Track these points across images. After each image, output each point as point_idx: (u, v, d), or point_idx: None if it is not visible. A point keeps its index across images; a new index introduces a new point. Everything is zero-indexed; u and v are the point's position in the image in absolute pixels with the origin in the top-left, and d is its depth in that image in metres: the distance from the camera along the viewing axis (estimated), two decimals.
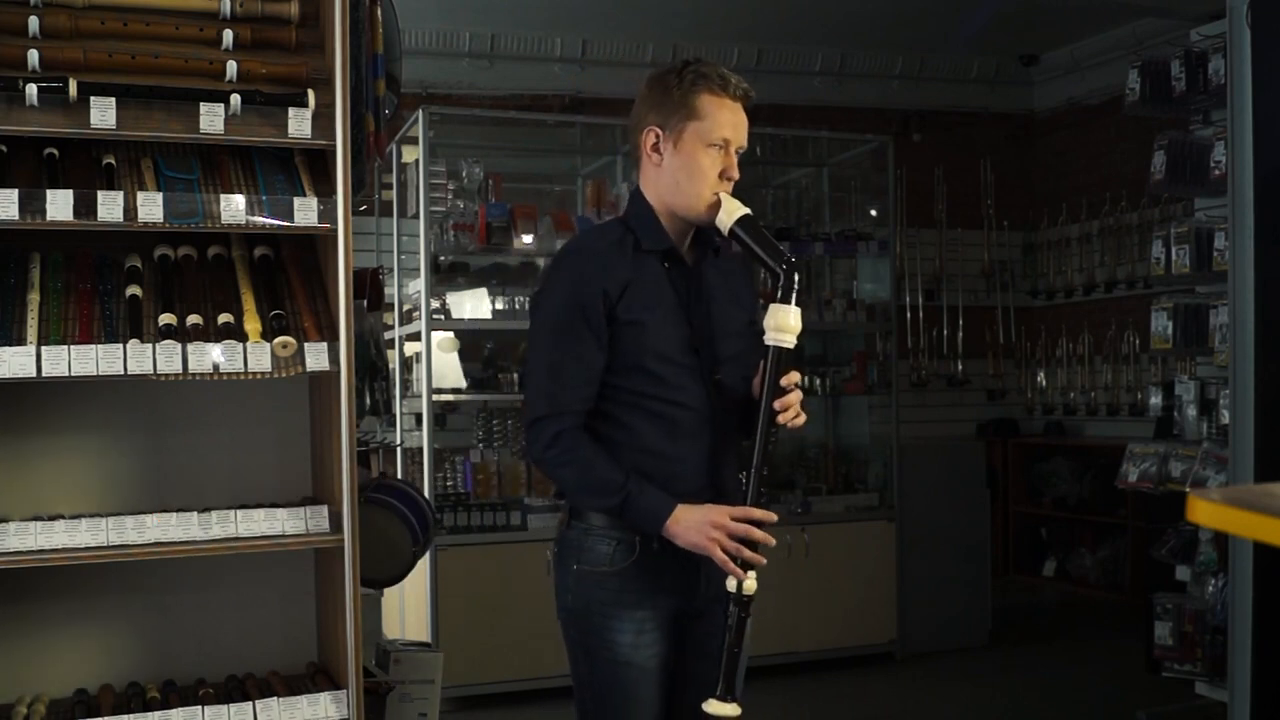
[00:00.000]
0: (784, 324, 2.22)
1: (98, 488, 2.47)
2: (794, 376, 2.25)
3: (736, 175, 2.31)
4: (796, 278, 2.22)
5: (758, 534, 2.20)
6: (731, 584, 2.21)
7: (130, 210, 2.17)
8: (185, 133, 2.23)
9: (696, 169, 2.28)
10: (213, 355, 2.19)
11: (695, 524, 2.21)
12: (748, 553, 2.19)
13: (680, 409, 2.29)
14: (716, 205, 2.28)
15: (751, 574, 2.21)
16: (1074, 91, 7.86)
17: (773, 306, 2.23)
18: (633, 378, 2.28)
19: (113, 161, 2.30)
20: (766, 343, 2.24)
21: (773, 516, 2.23)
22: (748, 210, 2.28)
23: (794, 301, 2.22)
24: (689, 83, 2.28)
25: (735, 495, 2.29)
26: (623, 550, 2.29)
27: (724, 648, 2.21)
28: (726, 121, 2.28)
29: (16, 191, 2.12)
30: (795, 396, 2.25)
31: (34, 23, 2.20)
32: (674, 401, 2.29)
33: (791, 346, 2.23)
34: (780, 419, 2.24)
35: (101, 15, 2.26)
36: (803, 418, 2.28)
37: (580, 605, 2.33)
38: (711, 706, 2.19)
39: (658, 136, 2.31)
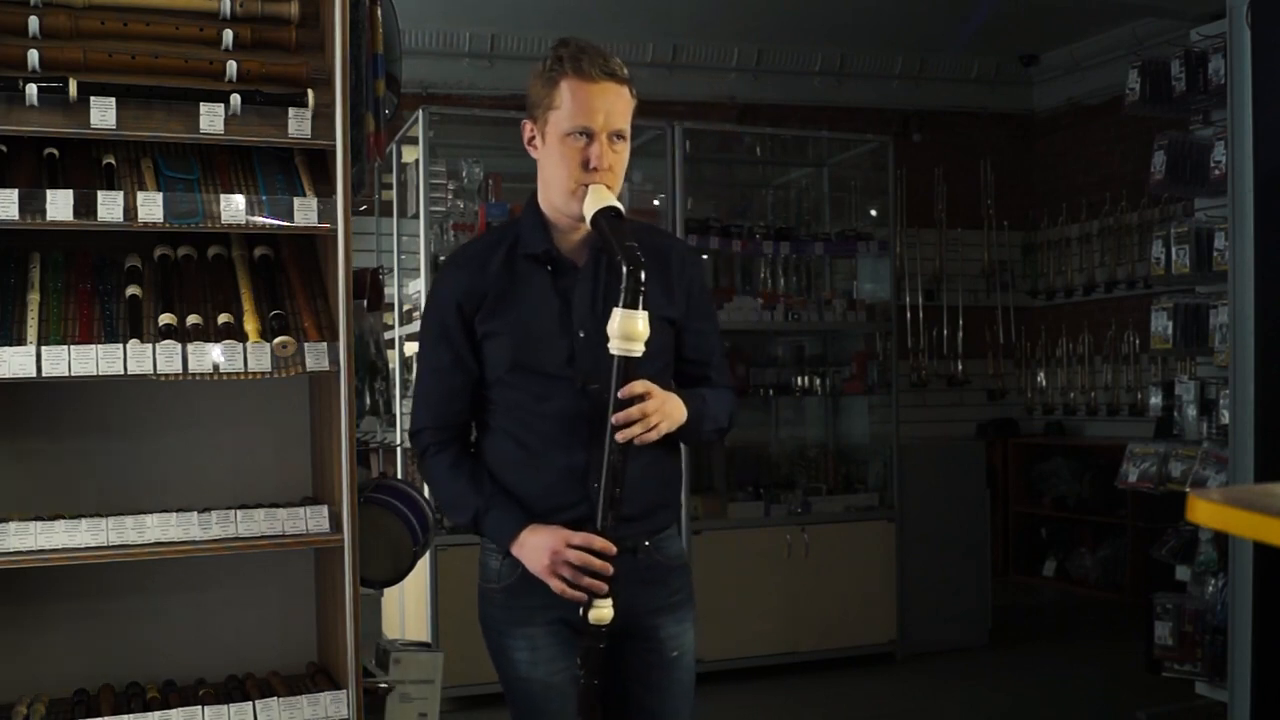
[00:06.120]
0: (630, 331, 1.99)
1: (98, 488, 2.47)
2: (636, 388, 2.03)
3: (605, 164, 2.09)
4: (643, 277, 1.98)
5: (596, 563, 2.04)
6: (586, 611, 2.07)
7: (130, 210, 2.18)
8: (185, 133, 2.24)
9: (558, 160, 2.11)
10: (213, 355, 2.19)
11: (536, 548, 2.10)
12: (587, 580, 2.05)
13: (547, 420, 2.14)
14: (583, 197, 2.09)
15: (605, 603, 2.05)
16: (1074, 91, 7.86)
17: (616, 311, 1.99)
18: (498, 389, 2.19)
19: (113, 161, 2.30)
20: (611, 351, 2.01)
21: (611, 548, 2.04)
22: (614, 203, 2.07)
23: (641, 306, 1.98)
24: (547, 69, 2.11)
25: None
26: (508, 565, 2.18)
27: (581, 678, 2.10)
28: (584, 107, 2.07)
29: (16, 191, 2.12)
30: (639, 409, 2.03)
31: (34, 23, 2.20)
32: (539, 413, 2.15)
33: (639, 355, 2.01)
34: (619, 435, 2.01)
35: (101, 15, 2.26)
36: (655, 433, 2.05)
37: (482, 621, 2.27)
38: None
39: (532, 131, 2.18)
